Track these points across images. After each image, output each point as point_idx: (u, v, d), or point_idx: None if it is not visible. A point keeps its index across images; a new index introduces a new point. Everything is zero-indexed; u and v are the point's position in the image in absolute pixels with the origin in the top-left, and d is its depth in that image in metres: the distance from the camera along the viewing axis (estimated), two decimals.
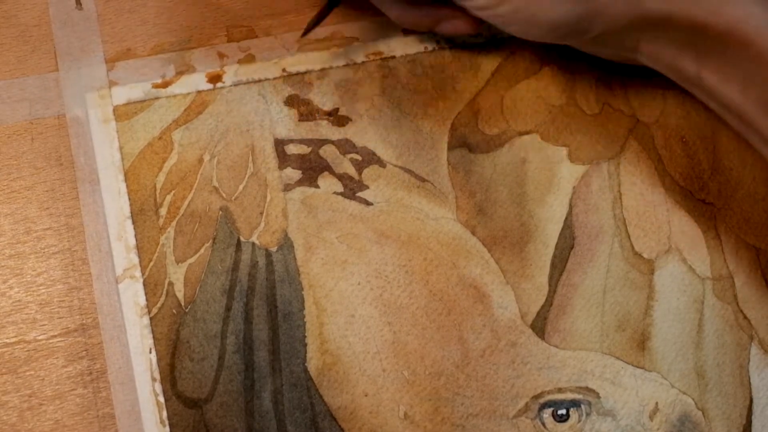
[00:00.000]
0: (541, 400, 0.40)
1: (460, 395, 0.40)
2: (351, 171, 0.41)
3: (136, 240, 0.40)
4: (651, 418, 0.40)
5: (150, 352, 0.39)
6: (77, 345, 0.39)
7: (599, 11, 0.35)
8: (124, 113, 0.41)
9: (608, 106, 0.43)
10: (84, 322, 0.39)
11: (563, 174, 0.42)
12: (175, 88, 0.41)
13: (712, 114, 0.43)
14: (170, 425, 0.39)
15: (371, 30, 0.43)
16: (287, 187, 0.41)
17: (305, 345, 0.40)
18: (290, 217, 0.41)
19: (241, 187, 0.41)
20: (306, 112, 0.42)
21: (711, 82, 0.35)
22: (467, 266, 0.41)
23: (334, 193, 0.41)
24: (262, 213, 0.41)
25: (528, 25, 0.36)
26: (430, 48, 0.43)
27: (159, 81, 0.42)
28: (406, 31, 0.43)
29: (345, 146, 0.41)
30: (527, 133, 0.42)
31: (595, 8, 0.34)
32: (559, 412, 0.40)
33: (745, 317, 0.41)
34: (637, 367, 0.40)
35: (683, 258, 0.41)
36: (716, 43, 0.34)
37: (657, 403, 0.40)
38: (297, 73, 0.42)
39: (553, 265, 0.41)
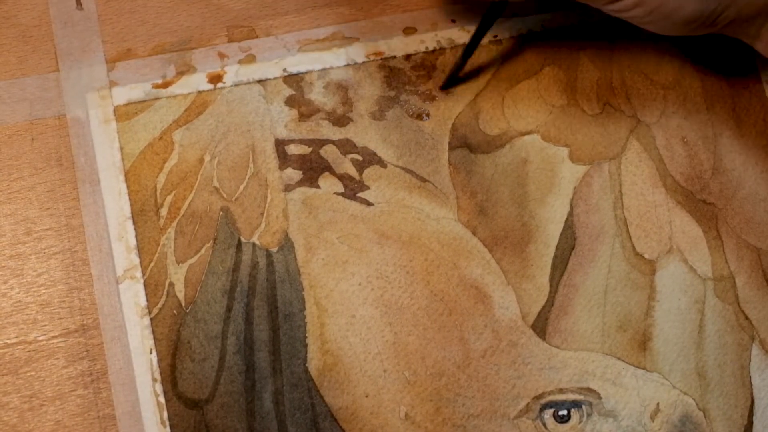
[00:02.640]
0: (543, 401, 0.40)
1: (462, 396, 0.40)
2: (352, 171, 0.41)
3: (137, 240, 0.40)
4: (652, 418, 0.40)
5: (151, 353, 0.39)
6: (78, 346, 0.39)
7: (728, 3, 0.36)
8: (124, 113, 0.41)
9: (609, 106, 0.43)
10: (84, 322, 0.39)
11: (564, 174, 0.42)
12: (176, 89, 0.41)
13: (713, 114, 0.43)
14: (171, 426, 0.39)
15: (372, 30, 0.43)
16: (288, 188, 0.41)
17: (306, 345, 0.40)
18: (291, 217, 0.41)
19: (241, 188, 0.41)
20: (307, 112, 0.42)
21: None
22: (468, 267, 0.41)
23: (335, 193, 0.41)
24: (262, 213, 0.40)
25: (663, 24, 0.37)
26: (430, 48, 0.43)
27: (159, 81, 0.42)
28: (407, 31, 0.43)
29: (346, 146, 0.41)
30: (528, 133, 0.42)
31: (724, 1, 0.36)
32: (560, 412, 0.40)
33: (747, 317, 0.41)
34: (639, 367, 0.40)
35: (684, 258, 0.41)
36: None
37: (658, 404, 0.40)
38: (298, 74, 0.42)
39: (554, 266, 0.41)
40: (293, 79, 0.42)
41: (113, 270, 0.40)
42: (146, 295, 0.39)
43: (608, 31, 0.44)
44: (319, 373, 0.39)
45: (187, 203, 0.40)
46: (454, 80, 0.42)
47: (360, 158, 0.41)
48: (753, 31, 0.38)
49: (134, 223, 0.40)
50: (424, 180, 0.41)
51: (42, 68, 0.41)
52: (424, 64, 0.43)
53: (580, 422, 0.40)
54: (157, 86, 0.41)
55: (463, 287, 0.40)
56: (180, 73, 0.42)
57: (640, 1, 0.36)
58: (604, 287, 0.41)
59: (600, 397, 0.40)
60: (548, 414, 0.40)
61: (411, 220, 0.41)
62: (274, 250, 0.40)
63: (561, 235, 0.41)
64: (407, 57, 0.43)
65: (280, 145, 0.41)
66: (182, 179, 0.41)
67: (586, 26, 0.44)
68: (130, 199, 0.40)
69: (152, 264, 0.40)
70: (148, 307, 0.39)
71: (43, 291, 0.39)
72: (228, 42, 0.42)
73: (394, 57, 0.43)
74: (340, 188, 0.41)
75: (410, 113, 0.42)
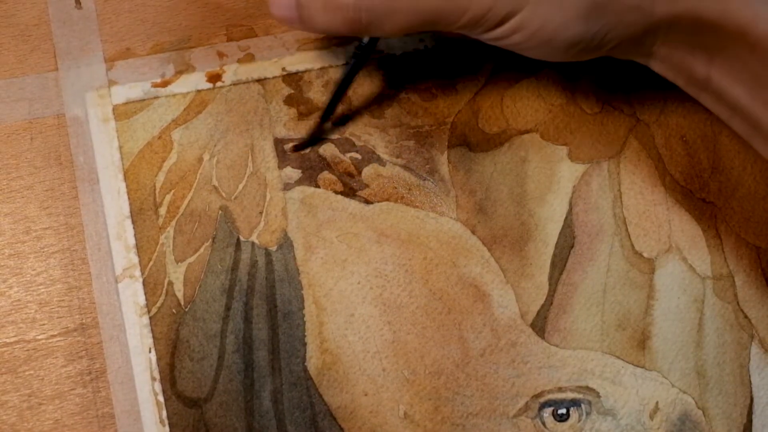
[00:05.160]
0: (542, 400, 0.40)
1: (460, 394, 0.40)
2: (351, 170, 0.41)
3: (136, 239, 0.40)
4: (651, 417, 0.40)
5: (149, 352, 0.39)
6: (77, 344, 0.39)
7: (613, 24, 0.34)
8: (123, 112, 0.41)
9: (608, 105, 0.43)
10: (83, 321, 0.39)
11: (563, 173, 0.42)
12: (175, 88, 0.41)
13: (712, 113, 0.43)
14: (170, 425, 0.39)
15: None
16: (287, 186, 0.41)
17: (305, 344, 0.40)
18: (290, 216, 0.41)
19: (240, 187, 0.41)
20: (306, 111, 0.42)
21: (720, 83, 0.35)
22: (467, 265, 0.41)
23: (334, 192, 0.41)
24: (261, 212, 0.40)
25: (545, 49, 0.36)
26: (429, 46, 0.43)
27: (158, 80, 0.42)
28: None
29: (345, 145, 0.41)
30: (527, 131, 0.42)
31: (608, 22, 0.34)
32: (560, 411, 0.40)
33: (746, 316, 0.41)
34: (638, 366, 0.40)
35: (683, 257, 0.41)
36: (726, 44, 0.34)
37: (657, 403, 0.40)
38: (297, 72, 0.42)
39: (553, 264, 0.41)
40: (292, 78, 0.42)
41: (112, 269, 0.40)
42: (145, 294, 0.39)
43: None
44: (318, 372, 0.39)
45: (186, 202, 0.40)
46: (311, 142, 0.41)
47: (359, 157, 0.41)
48: (645, 50, 0.36)
49: (133, 222, 0.40)
50: (423, 178, 0.41)
51: (41, 67, 0.41)
52: (422, 63, 0.43)
53: (579, 421, 0.40)
54: (156, 85, 0.41)
55: (461, 286, 0.40)
56: (179, 72, 0.42)
57: (519, 26, 0.34)
58: (603, 286, 0.41)
59: (599, 396, 0.40)
60: (547, 413, 0.40)
61: (410, 218, 0.41)
62: (273, 248, 0.40)
63: (560, 233, 0.41)
64: (406, 55, 0.43)
65: (279, 143, 0.41)
66: (181, 178, 0.41)
67: None
68: (129, 198, 0.40)
69: (151, 263, 0.40)
70: (147, 305, 0.39)
71: (42, 290, 0.39)
72: (227, 41, 0.42)
73: (394, 55, 0.42)
74: (339, 187, 0.41)
75: (409, 111, 0.42)
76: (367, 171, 0.41)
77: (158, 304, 0.39)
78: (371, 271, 0.40)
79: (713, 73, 0.35)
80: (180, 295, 0.39)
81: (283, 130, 0.41)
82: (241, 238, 0.40)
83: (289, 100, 0.42)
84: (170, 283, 0.40)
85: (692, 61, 0.35)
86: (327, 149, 0.41)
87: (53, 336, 0.39)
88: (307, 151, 0.41)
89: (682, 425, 0.40)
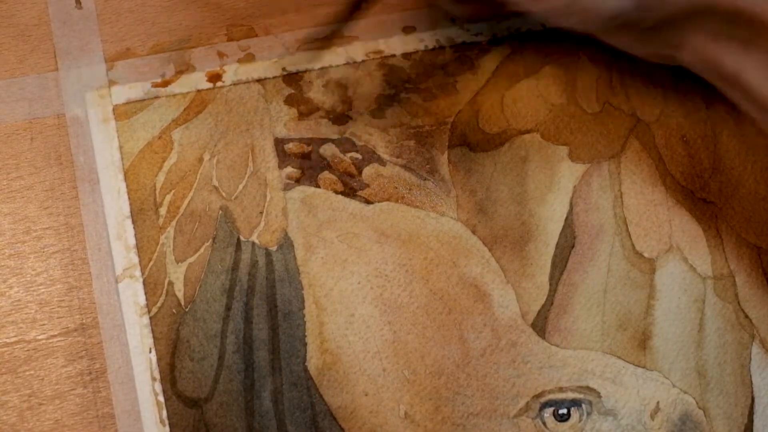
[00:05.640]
0: (542, 400, 0.40)
1: (461, 394, 0.40)
2: (351, 170, 0.41)
3: (136, 239, 0.40)
4: (652, 417, 0.40)
5: (150, 352, 0.39)
6: (77, 345, 0.39)
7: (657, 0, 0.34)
8: (123, 112, 0.41)
9: (609, 105, 0.43)
10: (84, 321, 0.39)
11: (564, 173, 0.42)
12: (175, 88, 0.41)
13: (712, 113, 0.43)
14: (170, 425, 0.39)
15: (371, 28, 0.43)
16: (287, 186, 0.41)
17: (305, 344, 0.39)
18: (290, 216, 0.41)
19: (240, 187, 0.41)
20: (306, 110, 0.42)
21: (751, 79, 0.34)
22: (468, 265, 0.41)
23: (334, 192, 0.41)
24: (261, 212, 0.40)
25: (584, 18, 0.35)
26: (430, 46, 0.43)
27: (159, 80, 0.42)
28: (406, 30, 0.43)
29: (345, 145, 0.41)
30: (528, 131, 0.42)
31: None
32: (560, 411, 0.40)
33: (746, 316, 0.41)
34: (638, 366, 0.40)
35: (684, 257, 0.41)
36: (760, 36, 0.34)
37: (658, 403, 0.40)
38: (297, 72, 0.42)
39: (553, 264, 0.41)
40: (292, 78, 0.42)
41: (112, 269, 0.40)
42: (145, 294, 0.39)
43: None
44: (318, 372, 0.39)
45: (186, 202, 0.40)
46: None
47: (359, 156, 0.41)
48: (677, 38, 0.36)
49: (133, 222, 0.40)
50: (423, 178, 0.41)
51: (41, 67, 0.41)
52: (423, 63, 0.43)
53: (580, 421, 0.40)
54: (156, 85, 0.41)
55: (462, 286, 0.40)
56: (179, 72, 0.42)
57: None
58: (603, 286, 0.41)
59: (600, 396, 0.40)
60: (548, 413, 0.40)
61: (410, 218, 0.41)
62: (274, 248, 0.40)
63: (560, 233, 0.41)
64: (407, 56, 0.43)
65: (279, 143, 0.41)
66: (181, 178, 0.41)
67: None
68: (129, 198, 0.40)
69: (151, 263, 0.40)
70: (147, 306, 0.39)
71: (43, 290, 0.39)
72: (227, 41, 0.42)
73: (394, 56, 0.42)
74: (340, 187, 0.41)
75: (410, 111, 0.42)
76: (368, 171, 0.41)
77: (158, 304, 0.39)
78: (371, 271, 0.40)
79: (745, 66, 0.35)
80: (180, 295, 0.39)
81: (284, 130, 0.41)
82: (242, 238, 0.40)
83: (289, 100, 0.42)
84: (170, 283, 0.40)
85: (723, 54, 0.35)
86: (327, 149, 0.41)
87: (53, 336, 0.39)
88: (308, 153, 0.41)
89: (683, 425, 0.40)
